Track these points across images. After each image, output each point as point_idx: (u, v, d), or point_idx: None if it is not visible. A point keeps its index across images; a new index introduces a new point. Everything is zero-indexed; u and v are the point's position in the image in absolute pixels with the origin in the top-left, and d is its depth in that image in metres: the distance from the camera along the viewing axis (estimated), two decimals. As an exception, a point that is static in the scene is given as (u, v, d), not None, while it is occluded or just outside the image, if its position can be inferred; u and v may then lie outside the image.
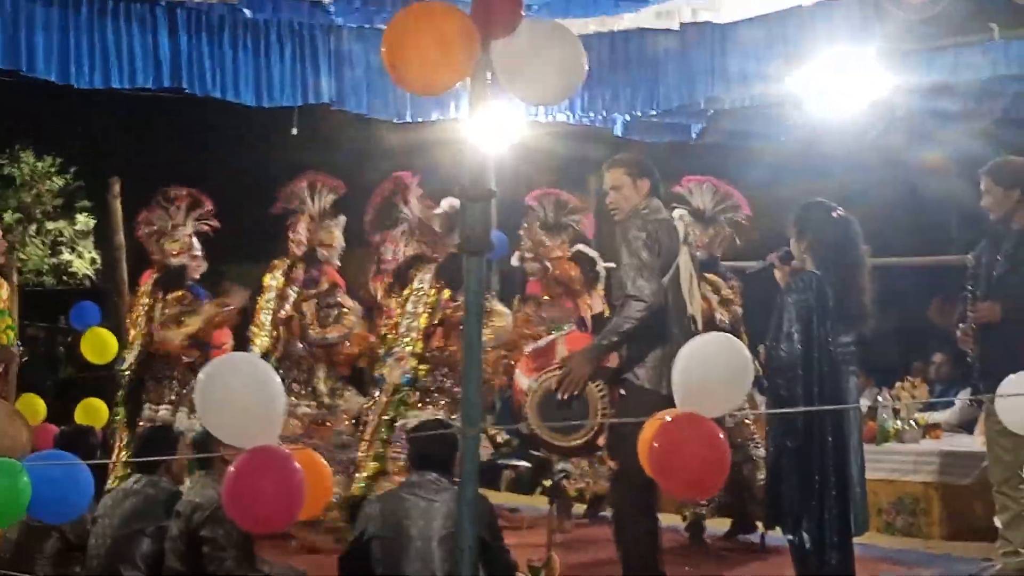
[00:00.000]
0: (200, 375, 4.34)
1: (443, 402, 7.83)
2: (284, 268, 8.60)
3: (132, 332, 8.53)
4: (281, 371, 8.16)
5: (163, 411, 8.18)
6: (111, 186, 10.31)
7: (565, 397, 5.76)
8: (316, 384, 8.55)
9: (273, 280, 8.57)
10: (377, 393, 7.98)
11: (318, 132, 10.78)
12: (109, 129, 13.96)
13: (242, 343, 8.69)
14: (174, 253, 8.51)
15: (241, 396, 4.24)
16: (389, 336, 8.05)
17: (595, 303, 8.97)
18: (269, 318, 8.49)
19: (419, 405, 7.80)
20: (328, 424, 8.49)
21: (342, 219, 8.74)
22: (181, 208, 8.61)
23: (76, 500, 4.94)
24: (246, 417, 4.24)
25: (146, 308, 8.43)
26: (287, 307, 8.49)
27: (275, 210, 8.69)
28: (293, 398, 8.24)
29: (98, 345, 9.91)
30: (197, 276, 8.69)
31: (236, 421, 4.26)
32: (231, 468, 4.22)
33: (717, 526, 8.42)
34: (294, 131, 9.93)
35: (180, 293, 8.43)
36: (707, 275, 8.04)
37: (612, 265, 5.94)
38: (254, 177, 9.21)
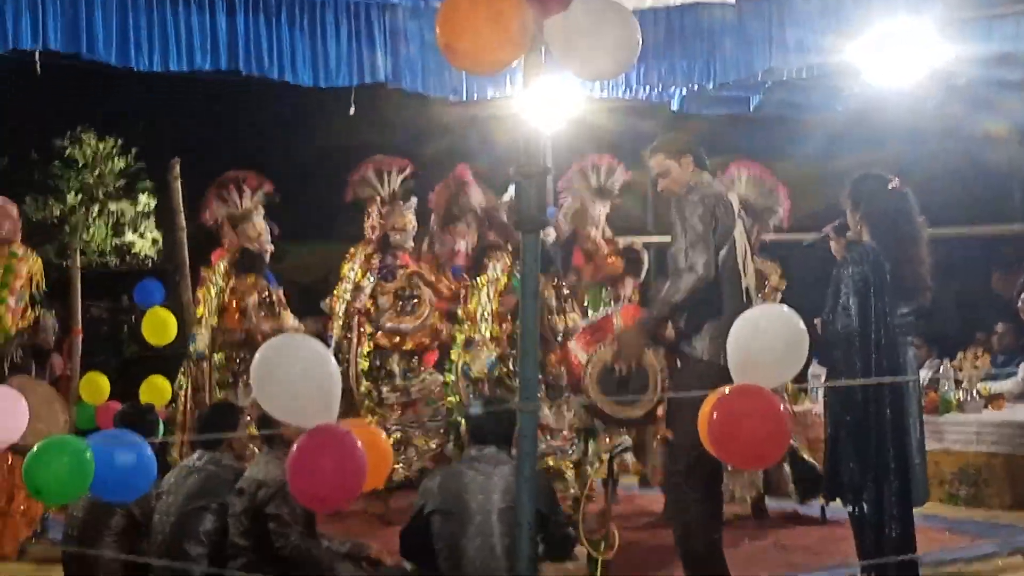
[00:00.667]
0: (257, 356, 4.39)
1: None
2: (361, 258, 8.67)
3: (201, 310, 8.60)
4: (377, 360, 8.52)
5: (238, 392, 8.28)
6: (171, 167, 10.38)
7: (620, 372, 5.78)
8: (391, 367, 8.62)
9: (351, 271, 8.66)
10: (465, 384, 8.03)
11: (375, 111, 10.80)
12: (168, 111, 14.09)
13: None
14: (252, 236, 8.59)
15: (297, 376, 4.28)
16: (467, 324, 8.10)
17: (627, 289, 8.95)
18: (343, 308, 8.57)
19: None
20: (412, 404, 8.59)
21: (414, 201, 8.80)
22: (248, 191, 8.67)
23: (138, 480, 5.01)
24: (302, 397, 4.29)
25: (219, 289, 8.51)
26: (363, 298, 8.57)
27: (347, 198, 8.77)
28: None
29: (158, 326, 10.00)
30: (267, 260, 8.77)
31: (293, 401, 4.32)
32: (294, 448, 4.28)
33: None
34: (351, 110, 9.96)
35: (254, 278, 8.51)
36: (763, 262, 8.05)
37: (667, 239, 5.93)
38: (312, 157, 9.28)
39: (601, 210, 8.96)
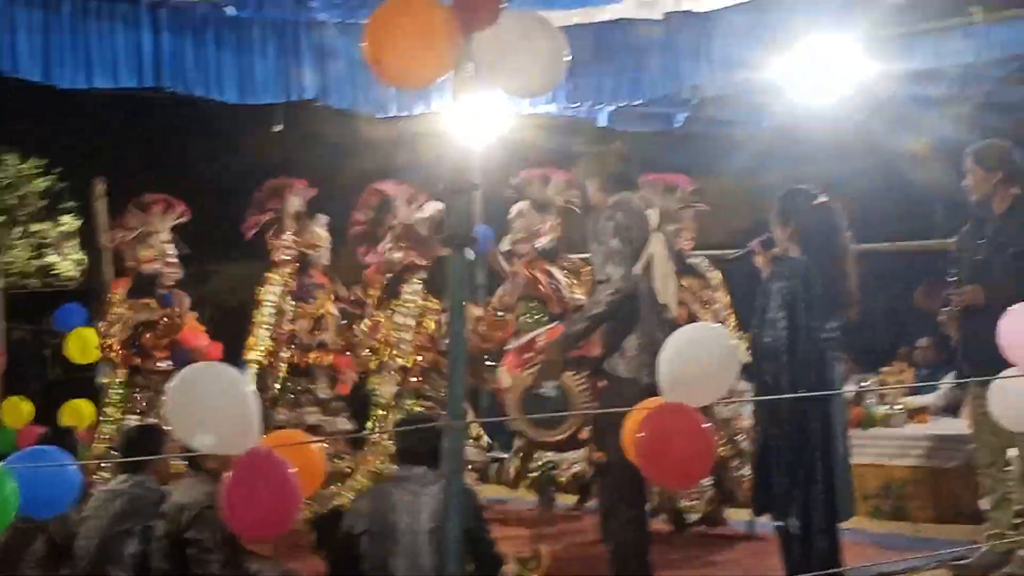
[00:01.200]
0: (168, 387, 4.33)
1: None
2: (280, 281, 8.58)
3: (107, 342, 8.43)
4: (289, 383, 8.44)
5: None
6: (95, 187, 10.26)
7: (542, 388, 5.79)
8: (317, 393, 8.56)
9: (271, 295, 8.54)
10: (377, 409, 8.01)
11: (303, 128, 10.75)
12: (92, 129, 13.89)
13: (234, 355, 8.65)
14: (148, 259, 8.46)
15: (212, 404, 4.22)
16: (381, 349, 8.07)
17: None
18: (267, 333, 8.47)
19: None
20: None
21: (323, 218, 8.73)
22: (156, 213, 8.56)
23: (63, 496, 4.94)
24: (221, 425, 4.22)
25: (118, 317, 8.36)
26: (285, 323, 8.49)
27: (249, 227, 8.65)
28: (299, 409, 8.36)
29: (82, 345, 9.89)
30: (171, 283, 8.61)
31: (211, 430, 4.25)
32: (227, 476, 4.22)
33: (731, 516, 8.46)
34: (279, 127, 9.90)
35: (148, 301, 8.40)
36: (683, 278, 8.04)
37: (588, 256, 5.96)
38: (240, 174, 9.19)
39: (542, 221, 8.94)
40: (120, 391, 8.24)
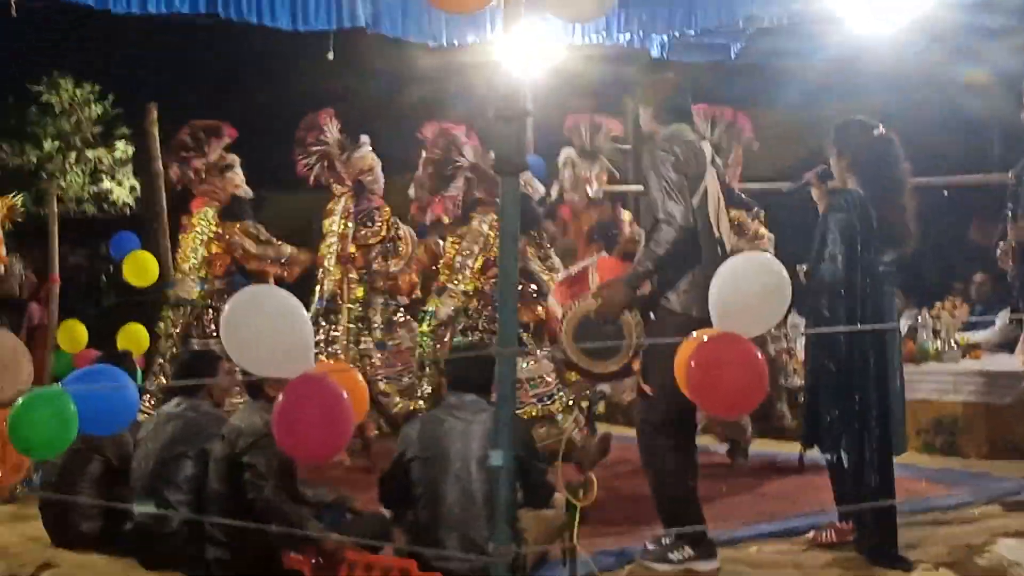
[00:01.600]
0: (225, 309, 4.36)
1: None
2: (339, 210, 8.64)
3: (190, 260, 8.58)
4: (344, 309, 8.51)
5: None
6: (148, 113, 10.29)
7: (603, 324, 5.77)
8: (371, 316, 8.64)
9: (333, 224, 8.63)
10: (425, 326, 8.06)
11: (354, 57, 10.71)
12: (145, 55, 13.89)
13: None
14: (238, 183, 8.64)
15: (268, 327, 4.25)
16: (443, 274, 8.11)
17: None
18: (334, 261, 8.55)
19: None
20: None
21: (365, 140, 8.75)
22: (210, 141, 8.67)
23: (120, 415, 5.01)
24: (274, 349, 4.25)
25: (207, 237, 8.51)
26: (350, 246, 8.56)
27: (301, 169, 8.71)
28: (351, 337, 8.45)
29: (140, 269, 9.98)
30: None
31: (264, 353, 4.28)
32: (279, 399, 4.26)
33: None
34: (330, 56, 9.87)
35: (245, 224, 8.58)
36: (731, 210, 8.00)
37: (640, 188, 5.90)
38: (291, 102, 9.18)
39: (590, 170, 8.93)
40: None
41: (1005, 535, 6.30)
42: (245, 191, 8.75)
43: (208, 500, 5.75)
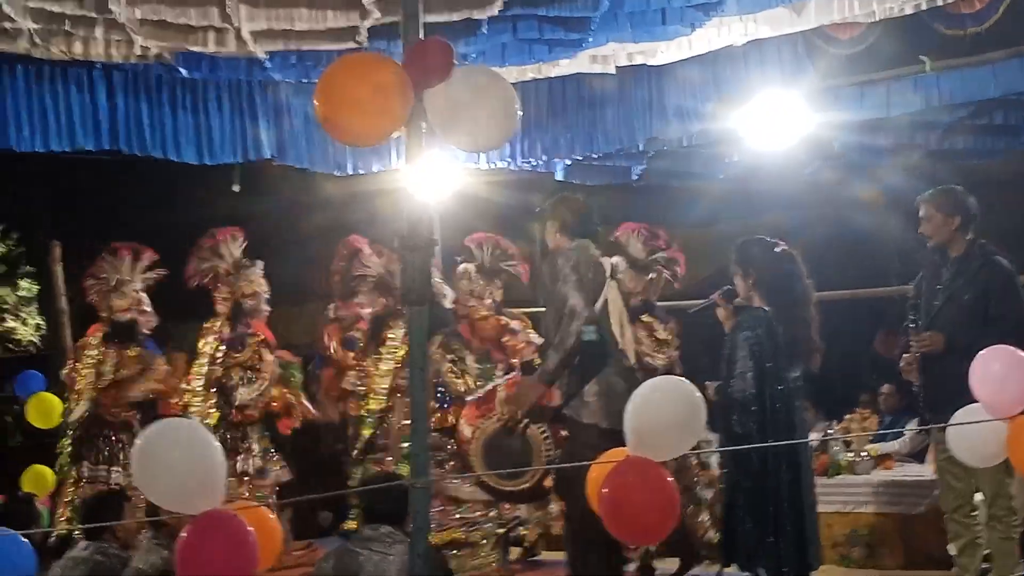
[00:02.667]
0: (137, 441, 4.29)
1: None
2: (215, 331, 8.57)
3: (79, 384, 8.47)
4: (219, 434, 8.23)
5: (102, 471, 8.15)
6: (51, 250, 10.22)
7: (515, 428, 5.76)
8: (251, 444, 8.52)
9: (207, 346, 8.55)
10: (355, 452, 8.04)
11: (260, 186, 10.74)
12: (48, 193, 13.82)
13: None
14: (123, 308, 8.50)
15: (181, 462, 4.17)
16: (370, 396, 8.09)
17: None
18: (202, 384, 8.45)
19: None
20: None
21: (259, 265, 8.71)
22: (126, 262, 8.59)
23: (19, 568, 4.88)
24: (188, 483, 4.17)
25: (95, 361, 8.40)
26: (219, 370, 8.48)
27: (189, 277, 8.67)
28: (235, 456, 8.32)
29: (44, 410, 9.82)
30: (147, 331, 8.67)
31: (177, 488, 4.20)
32: (182, 535, 4.17)
33: (667, 566, 8.41)
34: (236, 187, 9.89)
35: (137, 351, 8.43)
36: (642, 317, 8.07)
37: (543, 309, 5.97)
38: (197, 234, 9.15)
39: (487, 287, 8.95)
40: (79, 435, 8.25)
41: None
42: (133, 315, 8.60)
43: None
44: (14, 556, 4.85)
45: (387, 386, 8.05)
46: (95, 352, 8.44)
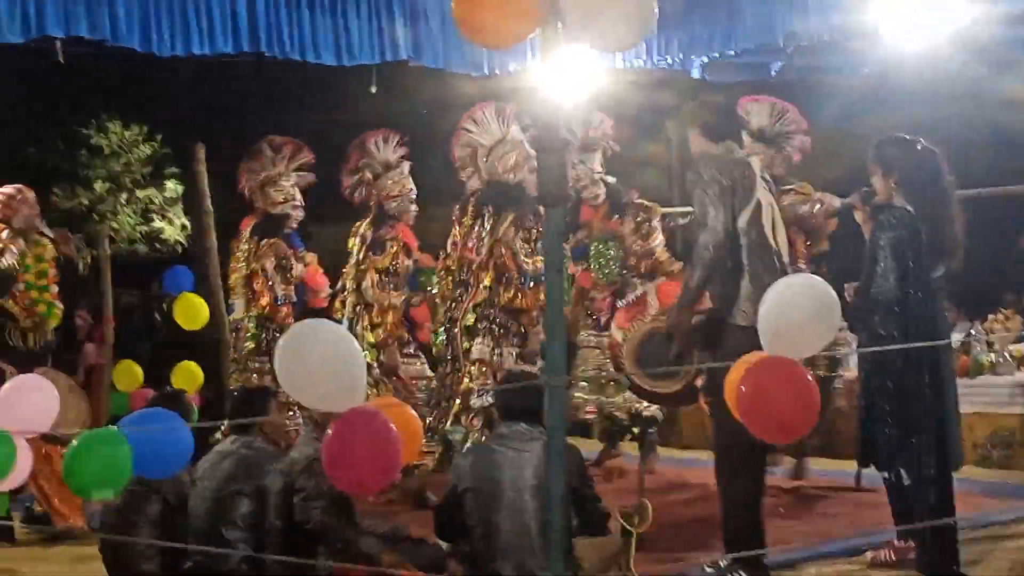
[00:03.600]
0: (279, 343, 4.41)
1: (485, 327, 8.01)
2: (359, 233, 8.69)
3: (233, 277, 8.76)
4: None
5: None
6: (196, 152, 10.42)
7: (673, 351, 5.79)
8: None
9: (353, 247, 8.70)
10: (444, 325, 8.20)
11: (397, 88, 10.79)
12: (192, 96, 14.08)
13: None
14: (278, 201, 8.71)
15: (321, 363, 4.28)
16: (454, 269, 8.24)
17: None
18: (352, 285, 8.61)
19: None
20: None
21: (406, 166, 8.79)
22: (284, 157, 8.77)
23: (175, 457, 5.06)
24: (328, 382, 4.29)
25: (244, 253, 8.64)
26: (357, 271, 8.62)
27: (347, 186, 8.80)
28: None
29: (190, 311, 10.08)
30: (295, 225, 8.87)
31: (318, 388, 4.32)
32: (328, 433, 4.30)
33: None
34: (373, 89, 9.96)
35: (275, 240, 8.62)
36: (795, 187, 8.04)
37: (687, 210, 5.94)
38: (336, 137, 9.27)
39: (595, 161, 8.93)
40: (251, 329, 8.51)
41: (1066, 548, 6.26)
42: (284, 210, 8.77)
43: (268, 536, 5.79)
44: (172, 441, 5.03)
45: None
46: (245, 246, 8.67)
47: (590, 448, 9.47)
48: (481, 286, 8.09)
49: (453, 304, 8.26)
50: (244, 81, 12.77)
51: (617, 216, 8.87)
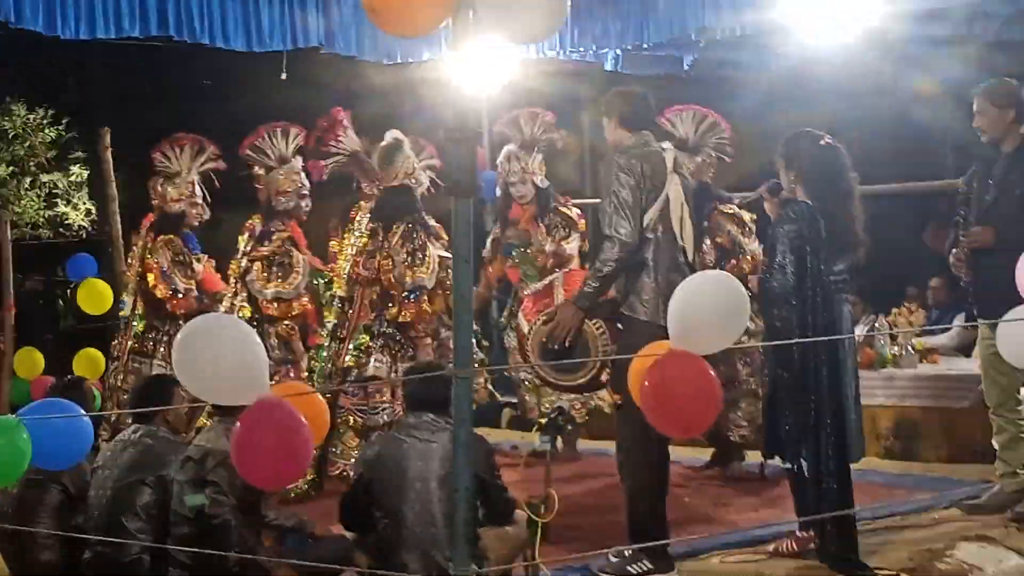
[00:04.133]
0: (176, 340, 4.35)
1: (381, 345, 7.91)
2: (249, 228, 8.57)
3: (128, 274, 8.60)
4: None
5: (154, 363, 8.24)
6: (102, 137, 10.25)
7: (556, 347, 5.82)
8: (266, 340, 8.27)
9: (241, 242, 8.56)
10: (329, 341, 8.07)
11: (308, 76, 10.70)
12: (98, 80, 13.88)
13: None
14: (173, 199, 8.50)
15: (220, 356, 4.23)
16: (335, 280, 8.13)
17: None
18: (233, 279, 8.49)
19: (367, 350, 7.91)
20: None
21: (296, 162, 8.57)
22: (184, 153, 8.57)
23: (76, 448, 4.98)
24: (230, 376, 4.23)
25: (140, 250, 8.46)
26: (244, 264, 8.46)
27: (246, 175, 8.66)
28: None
29: (94, 296, 9.95)
30: (196, 223, 8.65)
31: (220, 382, 4.26)
32: (238, 426, 4.24)
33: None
34: (283, 76, 9.86)
35: (170, 237, 8.42)
36: (723, 208, 8.11)
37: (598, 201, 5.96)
38: (244, 124, 9.14)
39: (532, 161, 8.93)
40: (138, 328, 8.34)
41: (965, 539, 6.36)
42: (182, 207, 8.58)
43: (174, 524, 5.72)
44: (72, 432, 4.95)
45: (347, 272, 8.07)
46: (141, 243, 8.49)
47: (497, 438, 9.52)
48: (366, 302, 8.01)
49: (336, 323, 8.14)
50: (154, 67, 12.59)
51: (537, 220, 8.88)
